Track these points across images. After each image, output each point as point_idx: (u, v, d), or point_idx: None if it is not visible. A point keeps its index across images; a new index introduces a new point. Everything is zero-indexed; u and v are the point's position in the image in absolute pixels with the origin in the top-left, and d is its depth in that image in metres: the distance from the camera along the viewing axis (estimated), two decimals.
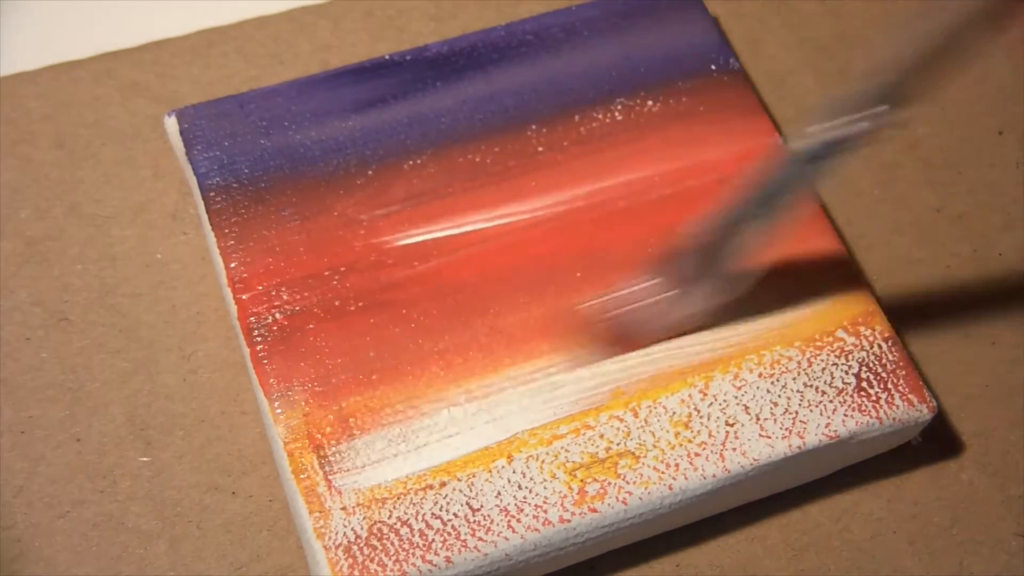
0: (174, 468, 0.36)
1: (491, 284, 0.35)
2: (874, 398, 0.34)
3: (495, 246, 0.36)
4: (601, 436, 0.33)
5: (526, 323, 0.35)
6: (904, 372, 0.35)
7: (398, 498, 0.32)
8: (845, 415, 0.34)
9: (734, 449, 0.33)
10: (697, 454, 0.33)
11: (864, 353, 0.35)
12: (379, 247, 0.36)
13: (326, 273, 0.35)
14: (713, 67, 0.40)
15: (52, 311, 0.38)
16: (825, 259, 0.36)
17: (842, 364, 0.35)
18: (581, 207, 0.37)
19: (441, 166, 0.37)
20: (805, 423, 0.34)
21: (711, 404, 0.34)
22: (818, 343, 0.35)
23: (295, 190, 0.36)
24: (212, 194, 0.36)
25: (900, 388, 0.34)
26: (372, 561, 0.31)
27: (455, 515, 0.32)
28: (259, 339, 0.34)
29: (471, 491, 0.32)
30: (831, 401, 0.34)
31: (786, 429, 0.34)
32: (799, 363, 0.35)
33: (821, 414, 0.34)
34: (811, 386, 0.34)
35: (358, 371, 0.34)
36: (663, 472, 0.33)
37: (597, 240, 0.36)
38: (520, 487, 0.32)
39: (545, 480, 0.33)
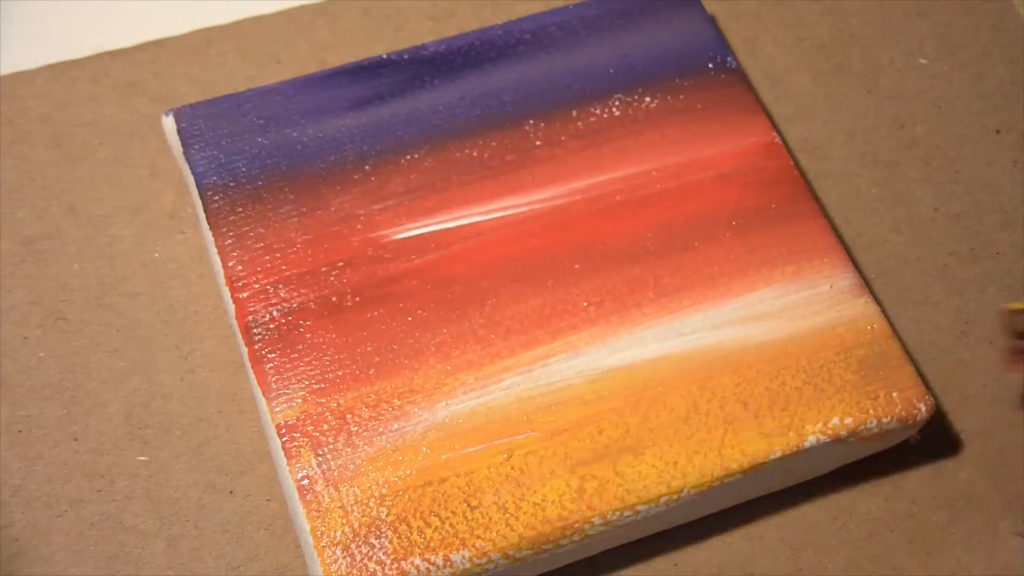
0: (172, 467, 0.36)
1: (488, 277, 0.35)
2: (872, 396, 0.34)
3: (492, 239, 0.36)
4: (600, 432, 0.33)
5: (523, 315, 0.35)
6: (902, 370, 0.35)
7: (396, 496, 0.32)
8: (843, 413, 0.34)
9: (732, 447, 0.33)
10: (695, 452, 0.33)
11: (862, 351, 0.35)
12: (376, 241, 0.36)
13: (323, 269, 0.35)
14: (710, 65, 0.40)
15: (50, 310, 0.38)
16: (823, 257, 0.36)
17: (840, 362, 0.35)
18: (578, 201, 0.37)
19: (438, 161, 0.37)
20: (803, 421, 0.34)
21: (710, 400, 0.34)
22: (816, 340, 0.35)
23: (292, 187, 0.36)
24: (210, 193, 0.36)
25: (898, 386, 0.34)
26: (370, 560, 0.31)
27: (453, 512, 0.32)
28: (257, 337, 0.34)
29: (469, 488, 0.32)
30: (829, 399, 0.34)
31: (784, 427, 0.34)
32: (797, 360, 0.35)
33: (819, 412, 0.34)
34: (809, 383, 0.34)
35: (356, 366, 0.34)
36: (661, 470, 0.33)
37: (594, 233, 0.36)
38: (519, 484, 0.32)
39: (544, 477, 0.33)
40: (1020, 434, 0.38)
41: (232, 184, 0.36)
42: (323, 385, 0.33)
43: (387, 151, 0.37)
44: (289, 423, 0.33)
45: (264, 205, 0.36)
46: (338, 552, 0.31)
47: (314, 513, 0.32)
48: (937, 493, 0.37)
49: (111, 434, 0.36)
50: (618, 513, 0.32)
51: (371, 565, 0.31)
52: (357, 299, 0.35)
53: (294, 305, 0.35)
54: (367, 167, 0.37)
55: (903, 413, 0.34)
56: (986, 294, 0.40)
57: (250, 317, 0.34)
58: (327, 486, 0.32)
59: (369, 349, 0.34)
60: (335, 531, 0.32)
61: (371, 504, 0.32)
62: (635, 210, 0.37)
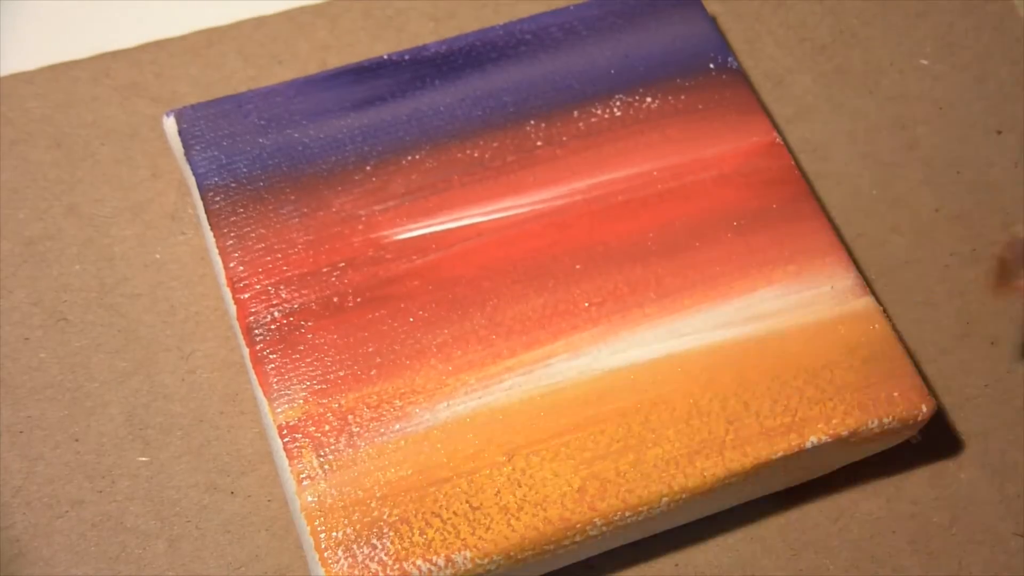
0: (173, 468, 0.36)
1: (489, 277, 0.35)
2: (873, 396, 0.34)
3: (493, 240, 0.36)
4: (602, 432, 0.33)
5: (525, 315, 0.35)
6: (903, 371, 0.35)
7: (398, 496, 0.32)
8: (845, 413, 0.34)
9: (734, 447, 0.33)
10: (697, 452, 0.33)
11: (864, 351, 0.35)
12: (377, 242, 0.36)
13: (325, 270, 0.35)
14: (711, 66, 0.40)
15: (51, 311, 0.38)
16: (824, 258, 0.36)
17: (842, 362, 0.35)
18: (580, 201, 0.37)
19: (439, 161, 0.37)
20: (805, 421, 0.34)
21: (711, 400, 0.34)
22: (818, 341, 0.35)
23: (294, 188, 0.36)
24: (211, 194, 0.36)
25: (899, 387, 0.34)
26: (372, 560, 0.31)
27: (455, 513, 0.32)
28: (258, 338, 0.34)
29: (471, 489, 0.32)
30: (831, 399, 0.34)
31: (786, 427, 0.34)
32: (799, 360, 0.35)
33: (820, 412, 0.34)
34: (811, 383, 0.34)
35: (357, 367, 0.34)
36: (663, 470, 0.33)
37: (595, 233, 0.36)
38: (520, 485, 0.32)
39: (545, 478, 0.33)
40: (1020, 434, 0.38)
41: (233, 185, 0.36)
42: (324, 386, 0.33)
43: (388, 152, 0.37)
44: (290, 424, 0.33)
45: (265, 206, 0.36)
46: (340, 553, 0.31)
47: (315, 514, 0.32)
48: (938, 494, 0.37)
49: (112, 435, 0.36)
50: (620, 513, 0.32)
51: (373, 566, 0.31)
52: (358, 300, 0.35)
53: (295, 306, 0.35)
54: (368, 168, 0.37)
55: (904, 413, 0.34)
56: (987, 295, 0.40)
57: (251, 318, 0.34)
58: (328, 487, 0.32)
59: (370, 350, 0.34)
60: (336, 532, 0.32)
61: (372, 505, 0.32)
62: (636, 210, 0.37)
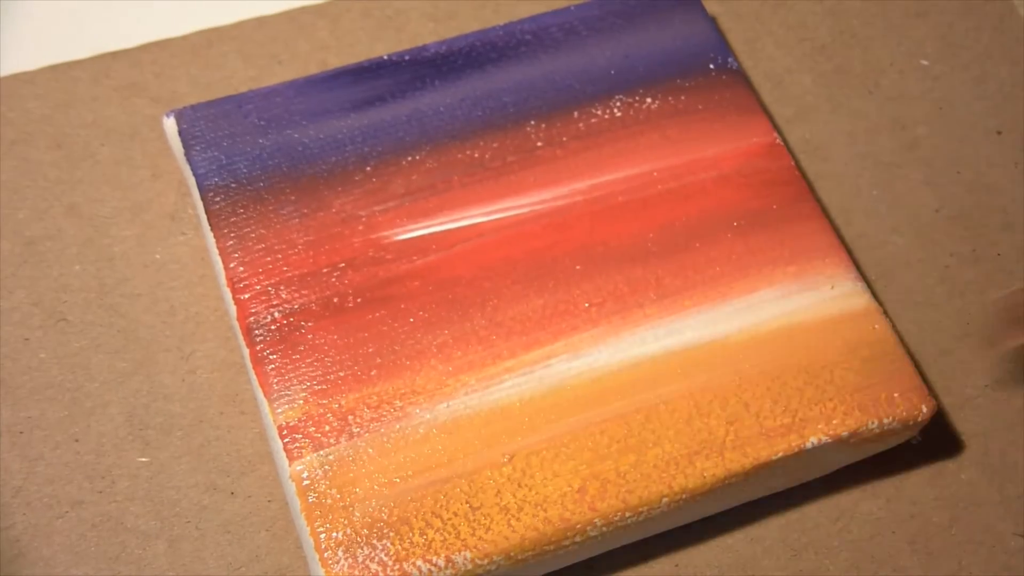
0: (173, 468, 0.36)
1: (489, 278, 0.35)
2: (874, 397, 0.34)
3: (493, 240, 0.36)
4: (602, 432, 0.33)
5: (525, 316, 0.35)
6: (904, 371, 0.35)
7: (398, 497, 0.32)
8: (845, 414, 0.34)
9: (734, 448, 0.33)
10: (697, 452, 0.33)
11: (864, 352, 0.35)
12: (378, 243, 0.36)
13: (325, 270, 0.35)
14: (711, 66, 0.40)
15: (51, 311, 0.38)
16: (824, 258, 0.36)
17: (842, 363, 0.35)
18: (580, 201, 0.37)
19: (440, 162, 0.37)
20: (805, 422, 0.34)
21: (712, 401, 0.34)
22: (818, 341, 0.35)
23: (294, 188, 0.36)
24: (211, 194, 0.36)
25: (900, 387, 0.34)
26: (372, 561, 0.31)
27: (455, 514, 0.32)
28: (258, 338, 0.34)
29: (471, 489, 0.32)
30: (831, 399, 0.34)
31: (786, 427, 0.34)
32: (799, 361, 0.35)
33: (821, 412, 0.34)
34: (811, 384, 0.34)
35: (357, 368, 0.34)
36: (663, 470, 0.33)
37: (595, 234, 0.36)
38: (520, 485, 0.32)
39: (545, 478, 0.33)
40: (1020, 434, 0.38)
41: (233, 185, 0.36)
42: (324, 386, 0.33)
43: (388, 152, 0.37)
44: (291, 424, 0.33)
45: (265, 206, 0.36)
46: (340, 553, 0.31)
47: (315, 514, 0.32)
48: (938, 494, 0.37)
49: (112, 435, 0.36)
50: (620, 514, 0.32)
51: (373, 566, 0.31)
52: (359, 300, 0.35)
53: (295, 306, 0.35)
54: (368, 168, 0.37)
55: (904, 414, 0.34)
56: (987, 295, 0.40)
57: (251, 318, 0.34)
58: (328, 487, 0.32)
59: (371, 350, 0.34)
60: (336, 532, 0.32)
61: (372, 505, 0.32)
62: (636, 211, 0.37)
